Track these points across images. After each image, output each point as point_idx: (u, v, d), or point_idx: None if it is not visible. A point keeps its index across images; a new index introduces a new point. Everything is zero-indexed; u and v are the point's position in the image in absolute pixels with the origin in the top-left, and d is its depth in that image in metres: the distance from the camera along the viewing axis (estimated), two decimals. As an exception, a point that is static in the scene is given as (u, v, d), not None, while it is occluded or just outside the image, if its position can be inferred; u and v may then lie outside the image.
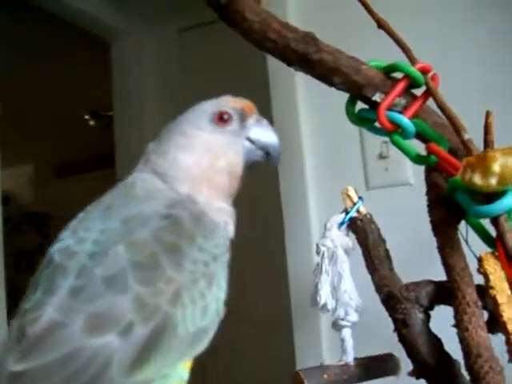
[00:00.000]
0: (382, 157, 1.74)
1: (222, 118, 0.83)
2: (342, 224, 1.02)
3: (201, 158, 0.80)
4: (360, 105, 1.10)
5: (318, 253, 1.00)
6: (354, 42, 1.42)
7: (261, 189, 2.56)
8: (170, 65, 2.95)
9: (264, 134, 0.87)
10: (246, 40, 1.10)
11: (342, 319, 0.98)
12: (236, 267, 2.23)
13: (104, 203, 0.76)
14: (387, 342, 0.97)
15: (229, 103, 0.86)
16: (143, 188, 0.78)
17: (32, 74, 3.45)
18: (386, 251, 1.02)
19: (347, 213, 1.03)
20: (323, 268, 0.98)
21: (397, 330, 0.94)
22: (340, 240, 1.00)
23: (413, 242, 1.52)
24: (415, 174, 1.65)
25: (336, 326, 0.99)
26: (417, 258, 1.46)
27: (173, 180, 0.79)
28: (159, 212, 0.72)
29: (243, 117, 0.86)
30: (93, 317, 0.61)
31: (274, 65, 1.86)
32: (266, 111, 1.84)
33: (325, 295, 0.96)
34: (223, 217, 0.79)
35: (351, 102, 1.12)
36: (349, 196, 1.04)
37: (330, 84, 1.09)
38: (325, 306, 0.97)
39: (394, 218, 1.58)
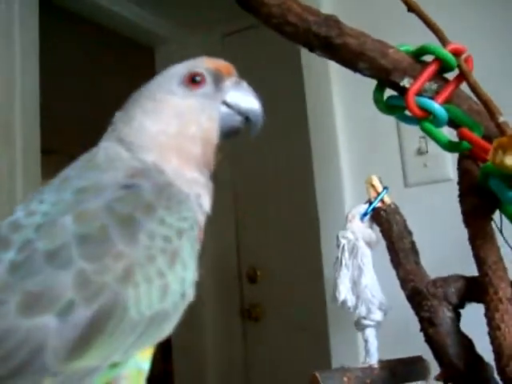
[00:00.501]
0: (420, 152, 1.65)
1: (193, 80, 0.75)
2: (364, 215, 0.95)
3: (169, 124, 0.73)
4: (389, 92, 1.04)
5: (338, 245, 0.93)
6: (382, 26, 1.34)
7: (296, 188, 2.56)
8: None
9: (243, 97, 0.78)
10: (267, 26, 1.05)
11: (365, 318, 0.91)
12: (272, 270, 2.21)
13: (63, 175, 0.69)
14: (415, 342, 0.89)
15: (202, 64, 0.77)
16: (104, 157, 0.70)
17: (82, 83, 3.53)
18: (412, 243, 0.94)
19: (371, 203, 0.96)
20: (343, 261, 0.91)
21: (423, 329, 0.86)
22: (362, 232, 0.93)
23: (454, 241, 1.42)
24: (456, 170, 1.56)
25: (358, 325, 0.92)
26: (459, 258, 1.36)
27: (138, 149, 0.71)
28: (118, 182, 0.64)
29: (218, 78, 0.77)
30: (29, 295, 0.54)
31: (308, 59, 1.81)
32: (301, 106, 1.85)
33: (344, 291, 0.89)
34: (195, 188, 0.71)
35: (379, 89, 1.05)
36: (373, 186, 0.97)
37: (355, 69, 1.03)
38: (344, 302, 0.90)
39: (435, 216, 1.49)
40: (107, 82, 3.48)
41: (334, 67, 1.72)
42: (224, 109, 0.76)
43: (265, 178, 2.83)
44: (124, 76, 3.47)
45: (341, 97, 1.78)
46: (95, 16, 2.74)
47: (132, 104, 0.76)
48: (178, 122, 0.72)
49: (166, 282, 0.60)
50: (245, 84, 0.79)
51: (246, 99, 0.77)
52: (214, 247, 2.90)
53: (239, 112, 0.77)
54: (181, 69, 0.76)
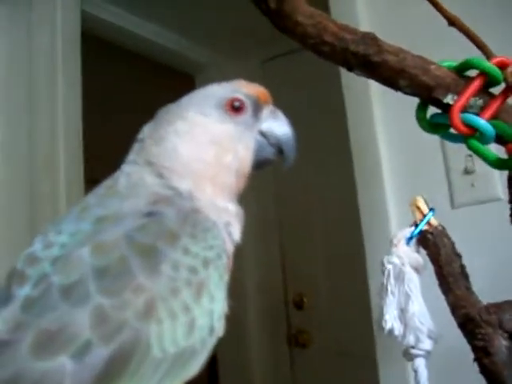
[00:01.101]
0: (467, 172, 1.59)
1: (233, 106, 0.71)
2: (410, 238, 0.91)
3: (205, 150, 0.68)
4: (432, 110, 1.00)
5: (383, 271, 0.89)
6: (421, 42, 1.30)
7: (340, 213, 2.52)
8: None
9: (278, 128, 0.74)
10: (304, 47, 1.03)
11: (414, 347, 0.86)
12: (319, 296, 2.16)
13: (83, 203, 0.65)
14: (469, 373, 0.84)
15: (242, 88, 0.73)
16: (126, 183, 0.67)
17: (125, 112, 3.58)
18: (462, 267, 0.89)
19: (416, 226, 0.91)
20: (388, 288, 0.86)
21: (477, 359, 0.81)
22: (408, 256, 0.89)
23: (506, 264, 1.36)
24: (506, 189, 1.50)
25: (407, 355, 0.87)
26: (509, 282, 1.30)
27: (171, 174, 0.67)
28: (139, 210, 0.60)
29: (257, 106, 0.73)
30: (43, 334, 0.50)
31: (348, 80, 1.79)
32: (343, 129, 1.82)
33: (391, 319, 0.85)
34: (225, 216, 0.68)
35: (421, 108, 1.02)
36: (418, 207, 0.93)
37: (396, 88, 1.00)
38: (391, 331, 0.85)
39: (484, 237, 1.43)
40: (149, 111, 3.52)
41: (374, 87, 1.69)
42: (259, 138, 0.74)
43: (309, 204, 2.81)
44: (165, 104, 3.51)
45: (383, 117, 1.74)
46: (135, 46, 2.79)
47: (162, 121, 0.72)
48: (215, 150, 0.69)
49: (192, 317, 0.56)
50: (280, 114, 0.76)
51: (281, 130, 0.75)
52: (260, 274, 2.89)
53: (274, 143, 0.74)
54: (220, 91, 0.73)
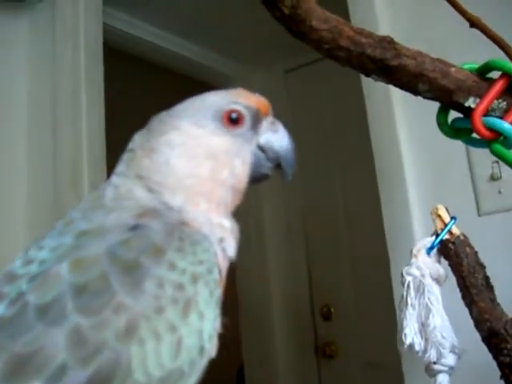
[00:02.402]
0: (493, 178, 1.54)
1: (231, 118, 0.67)
2: (431, 248, 0.87)
3: (200, 165, 0.64)
4: (454, 115, 0.97)
5: (402, 283, 0.85)
6: (443, 45, 1.27)
7: (365, 223, 2.49)
8: (277, 104, 2.94)
9: (278, 141, 0.70)
10: (319, 52, 1.01)
11: (436, 363, 0.82)
12: (346, 307, 2.13)
13: (68, 217, 0.61)
14: (495, 391, 0.79)
15: (241, 99, 0.68)
16: (113, 195, 0.63)
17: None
18: (486, 278, 0.85)
19: (437, 235, 0.87)
20: (408, 301, 0.82)
21: (504, 376, 0.77)
22: (429, 267, 0.85)
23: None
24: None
25: (429, 370, 0.83)
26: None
27: (162, 189, 0.63)
28: (123, 223, 0.57)
29: (256, 118, 0.69)
30: (15, 357, 0.47)
31: (369, 88, 1.75)
32: (366, 137, 1.79)
33: (411, 333, 0.81)
34: (218, 232, 0.63)
35: (442, 112, 0.99)
36: (439, 216, 0.89)
37: (415, 92, 0.97)
38: (412, 346, 0.81)
39: (511, 246, 1.37)
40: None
41: (396, 93, 1.65)
42: (257, 152, 0.69)
43: (334, 214, 2.79)
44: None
45: (405, 124, 1.70)
46: (158, 58, 2.81)
47: (155, 131, 0.67)
48: (210, 164, 0.65)
49: (178, 337, 0.52)
50: (280, 126, 0.72)
51: (280, 144, 0.70)
52: (287, 286, 2.87)
53: (272, 158, 0.70)
54: (217, 101, 0.68)
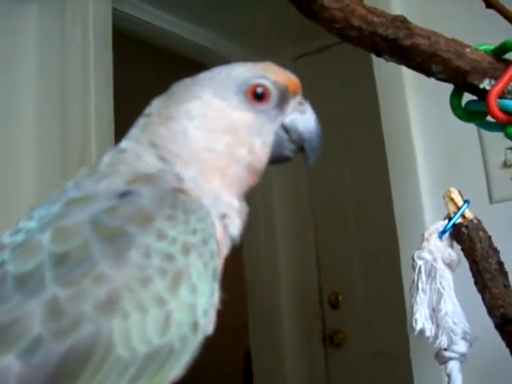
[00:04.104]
0: (506, 165, 1.51)
1: (256, 93, 0.63)
2: (443, 232, 0.85)
3: (218, 139, 0.61)
4: (468, 97, 0.95)
5: (413, 267, 0.83)
6: (457, 26, 1.24)
7: (375, 210, 2.47)
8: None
9: (304, 123, 0.66)
10: (330, 32, 0.99)
11: (447, 349, 0.80)
12: (355, 295, 2.12)
13: (63, 186, 0.58)
14: (507, 378, 0.78)
15: (269, 74, 0.64)
16: (109, 160, 0.60)
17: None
18: (500, 263, 0.83)
19: (450, 219, 0.85)
20: (419, 285, 0.80)
21: (516, 363, 0.75)
22: (441, 251, 0.82)
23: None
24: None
25: (439, 357, 0.81)
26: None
27: (176, 160, 0.60)
28: (113, 190, 0.53)
29: (284, 96, 0.65)
30: None
31: (381, 71, 1.73)
32: (377, 123, 1.76)
33: (421, 319, 0.79)
34: (222, 207, 0.60)
35: (456, 94, 0.97)
36: (452, 199, 0.87)
37: (429, 73, 0.95)
38: (422, 332, 0.79)
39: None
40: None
41: (408, 78, 1.62)
42: (280, 133, 0.65)
43: (343, 202, 2.77)
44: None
45: (417, 108, 1.68)
46: (166, 43, 2.78)
47: (175, 98, 0.63)
48: (229, 140, 0.61)
49: (167, 310, 0.48)
50: (308, 107, 0.67)
51: (306, 126, 0.67)
52: (296, 273, 2.86)
53: (296, 139, 0.66)
54: (243, 74, 0.64)
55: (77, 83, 2.02)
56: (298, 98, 0.67)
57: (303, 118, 0.66)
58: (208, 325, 0.52)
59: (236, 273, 2.89)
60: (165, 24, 2.66)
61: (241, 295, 2.88)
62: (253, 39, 2.97)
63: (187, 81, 0.65)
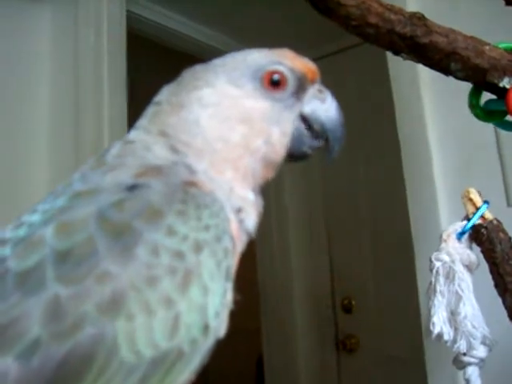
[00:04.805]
0: (525, 166, 1.48)
1: (272, 80, 0.59)
2: (462, 233, 0.82)
3: (232, 129, 0.57)
4: (486, 96, 0.93)
5: (431, 269, 0.81)
6: (475, 24, 1.21)
7: (389, 213, 2.44)
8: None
9: (325, 112, 0.62)
10: (346, 30, 0.97)
11: (465, 354, 0.77)
12: (368, 299, 2.09)
13: (69, 179, 0.56)
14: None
15: (286, 60, 0.61)
16: (117, 153, 0.56)
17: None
18: (521, 266, 0.80)
19: (469, 220, 0.83)
20: (437, 288, 0.78)
21: (538, 369, 0.72)
22: (459, 253, 0.80)
23: None
24: None
25: (458, 362, 0.79)
26: None
27: (187, 150, 0.56)
28: (121, 183, 0.50)
29: (302, 84, 0.61)
30: None
31: (397, 71, 1.70)
32: (393, 124, 1.74)
33: (439, 322, 0.76)
34: (237, 201, 0.57)
35: (474, 93, 0.95)
36: (471, 200, 0.84)
37: (447, 72, 0.93)
38: (440, 336, 0.76)
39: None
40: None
41: (423, 77, 1.60)
42: (299, 124, 0.62)
43: (357, 204, 2.74)
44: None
45: (433, 109, 1.65)
46: (180, 45, 2.78)
47: (187, 85, 0.60)
48: (243, 129, 0.58)
49: (175, 312, 0.45)
50: (329, 95, 0.64)
51: (328, 115, 0.63)
52: (308, 277, 2.84)
53: (317, 130, 0.62)
54: (259, 59, 0.61)
55: (90, 85, 2.01)
56: (318, 86, 0.63)
57: (324, 107, 0.63)
58: (220, 327, 0.50)
59: (249, 276, 2.88)
60: (178, 26, 2.66)
61: (254, 299, 2.86)
62: (267, 41, 2.94)
63: (198, 67, 0.62)
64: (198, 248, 0.48)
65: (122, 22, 2.17)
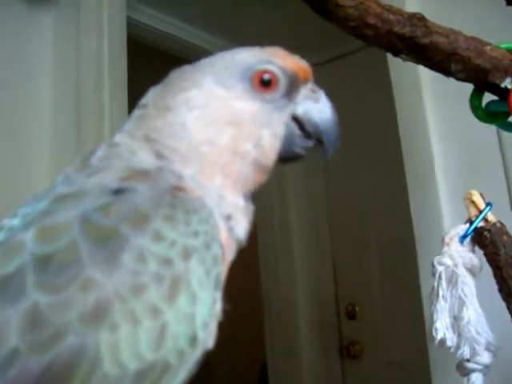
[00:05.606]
0: (528, 169, 1.46)
1: (262, 80, 0.57)
2: (464, 236, 0.81)
3: (220, 131, 0.55)
4: (488, 97, 0.91)
5: (433, 273, 0.79)
6: (475, 24, 1.20)
7: (392, 219, 2.43)
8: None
9: (319, 112, 0.60)
10: (344, 31, 0.96)
11: (469, 360, 0.75)
12: (372, 305, 2.07)
13: (53, 181, 0.54)
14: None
15: (277, 59, 0.59)
16: (103, 154, 0.54)
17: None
18: (525, 270, 0.78)
19: (471, 223, 0.81)
20: (439, 292, 0.76)
21: (544, 375, 0.70)
22: (462, 256, 0.78)
23: None
24: None
25: (461, 369, 0.77)
26: None
27: (174, 156, 0.54)
28: (106, 186, 0.48)
29: (293, 83, 0.59)
30: None
31: (398, 76, 1.69)
32: (394, 129, 1.72)
33: (442, 328, 0.74)
34: (227, 208, 0.54)
35: (476, 94, 0.94)
36: (473, 202, 0.83)
37: (447, 73, 0.92)
38: (443, 341, 0.75)
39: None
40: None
41: (425, 80, 1.58)
42: (292, 125, 0.59)
43: (360, 211, 2.72)
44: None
45: (434, 112, 1.63)
46: (180, 51, 2.77)
47: (173, 87, 0.57)
48: (232, 133, 0.55)
49: (162, 322, 0.43)
50: (322, 95, 0.61)
51: (321, 115, 0.60)
52: (312, 283, 2.83)
53: (311, 131, 0.60)
54: (248, 59, 0.59)
55: (91, 91, 2.01)
56: (310, 85, 0.61)
57: (317, 107, 0.60)
58: (208, 338, 0.47)
59: (252, 284, 2.86)
60: (179, 32, 2.66)
61: (257, 305, 2.84)
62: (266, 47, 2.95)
63: (186, 68, 0.59)
64: (186, 255, 0.46)
65: (123, 28, 2.17)
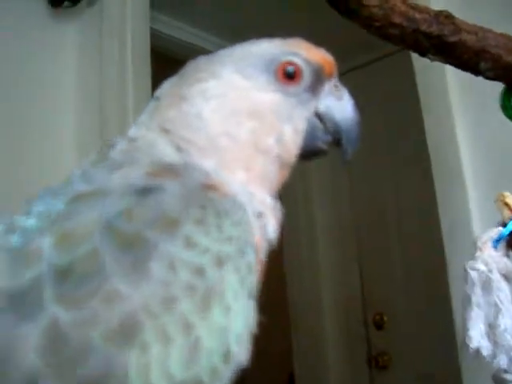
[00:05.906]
0: (561, 171, 1.41)
1: (286, 72, 0.54)
2: (498, 241, 0.77)
3: (240, 125, 0.52)
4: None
5: (466, 279, 0.75)
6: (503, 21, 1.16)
7: (420, 226, 2.38)
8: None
9: (341, 110, 0.57)
10: (369, 32, 0.94)
11: (506, 371, 0.71)
12: (400, 315, 2.01)
13: (69, 175, 0.50)
14: None
15: (302, 51, 0.56)
16: (125, 148, 0.51)
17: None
18: None
19: (505, 226, 0.78)
20: (473, 299, 0.73)
21: None
22: (496, 261, 0.75)
23: None
24: None
25: (498, 379, 0.73)
26: None
27: (191, 148, 0.51)
28: (131, 184, 0.44)
29: (318, 77, 0.56)
30: None
31: (424, 80, 1.65)
32: (421, 136, 1.69)
33: (477, 336, 0.71)
34: (257, 205, 0.50)
35: (506, 94, 0.91)
36: (506, 204, 0.79)
37: (476, 72, 0.89)
38: (478, 351, 0.71)
39: None
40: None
41: (452, 81, 1.54)
42: (314, 120, 0.57)
43: (387, 219, 2.68)
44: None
45: (462, 114, 1.59)
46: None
47: (189, 77, 0.55)
48: (253, 126, 0.52)
49: (194, 338, 0.39)
50: (346, 92, 0.59)
51: (343, 114, 0.58)
52: (339, 293, 2.79)
53: (331, 129, 0.57)
54: (272, 50, 0.56)
55: (115, 101, 2.01)
56: (334, 81, 0.58)
57: (340, 105, 0.57)
58: (242, 353, 0.42)
59: (279, 295, 2.83)
60: (201, 42, 2.66)
61: (284, 315, 2.81)
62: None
63: (202, 59, 0.57)
64: (219, 262, 0.42)
65: (146, 38, 2.18)
